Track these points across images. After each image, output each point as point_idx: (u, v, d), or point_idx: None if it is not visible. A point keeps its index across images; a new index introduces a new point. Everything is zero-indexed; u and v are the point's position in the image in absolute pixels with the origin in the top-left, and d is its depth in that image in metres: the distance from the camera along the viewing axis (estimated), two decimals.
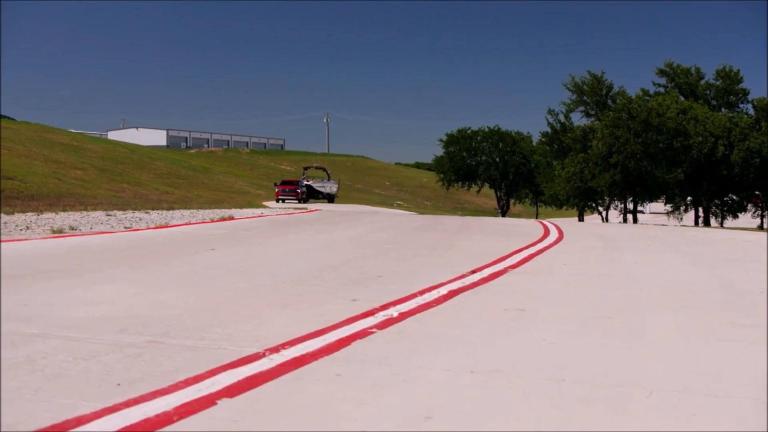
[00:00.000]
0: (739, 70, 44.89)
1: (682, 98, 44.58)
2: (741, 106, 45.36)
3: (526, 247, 10.74)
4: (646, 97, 44.10)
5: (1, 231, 10.45)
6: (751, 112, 44.51)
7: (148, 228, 12.39)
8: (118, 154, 61.21)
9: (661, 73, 46.22)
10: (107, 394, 3.47)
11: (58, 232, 10.94)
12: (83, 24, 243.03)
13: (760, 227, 41.35)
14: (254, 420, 3.22)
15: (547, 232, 13.91)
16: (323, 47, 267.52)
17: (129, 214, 15.06)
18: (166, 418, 3.19)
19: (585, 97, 45.05)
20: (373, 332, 4.90)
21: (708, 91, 45.38)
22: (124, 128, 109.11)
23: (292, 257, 9.28)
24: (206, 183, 60.08)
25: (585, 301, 6.45)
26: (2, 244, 9.22)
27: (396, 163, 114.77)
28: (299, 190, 45.87)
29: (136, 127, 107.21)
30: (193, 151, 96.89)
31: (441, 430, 3.17)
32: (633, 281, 7.84)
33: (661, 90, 45.99)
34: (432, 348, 4.56)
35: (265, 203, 37.67)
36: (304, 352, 4.32)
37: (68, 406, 3.30)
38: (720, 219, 45.54)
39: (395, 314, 5.51)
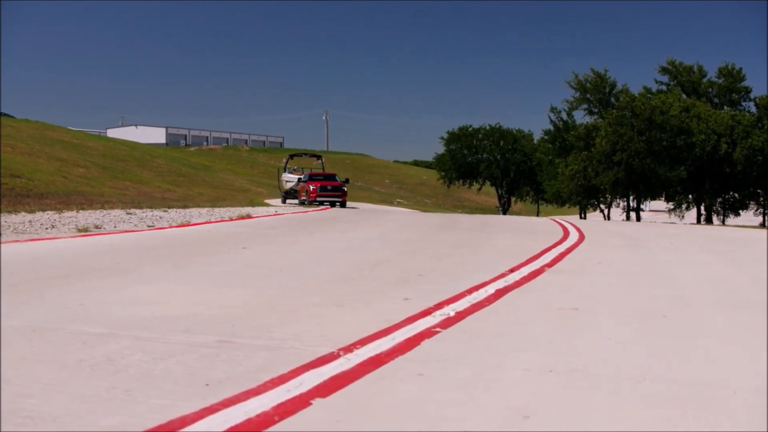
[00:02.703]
0: (741, 68, 45.08)
1: (684, 96, 44.69)
2: (743, 104, 45.52)
3: (554, 246, 10.76)
4: (649, 95, 44.19)
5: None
6: (754, 110, 44.64)
7: (171, 227, 12.39)
8: (119, 151, 61.07)
9: (664, 71, 46.36)
10: (201, 395, 3.48)
11: (84, 231, 10.92)
12: (82, 22, 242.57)
13: (762, 225, 41.47)
14: (354, 419, 3.23)
15: (566, 231, 13.94)
16: (323, 45, 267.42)
17: (148, 212, 15.05)
18: (268, 418, 3.19)
19: (588, 95, 45.13)
20: (438, 332, 4.91)
21: (710, 89, 45.53)
22: (123, 126, 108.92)
23: (328, 256, 9.29)
24: (207, 181, 59.99)
25: (633, 299, 6.47)
26: (34, 243, 9.21)
27: (395, 161, 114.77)
28: (344, 189, 31.60)
29: (135, 125, 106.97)
30: (192, 148, 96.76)
31: (542, 430, 3.18)
32: (672, 280, 7.86)
33: (664, 88, 46.09)
34: (502, 347, 4.57)
35: (267, 201, 37.48)
36: (377, 352, 4.32)
37: (166, 407, 3.30)
38: (722, 217, 45.67)
39: (452, 313, 5.52)
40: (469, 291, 6.52)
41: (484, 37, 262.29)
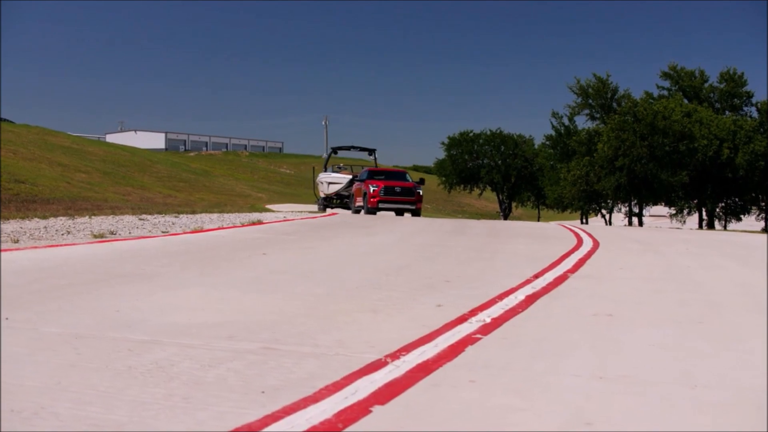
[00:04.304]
0: (743, 73, 45.27)
1: (686, 101, 44.81)
2: (745, 108, 45.68)
3: (572, 251, 10.76)
4: (651, 100, 44.30)
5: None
6: (755, 114, 44.77)
7: (185, 232, 12.38)
8: (119, 156, 61.13)
9: (665, 75, 46.51)
10: (260, 402, 3.47)
11: (100, 237, 10.91)
12: (81, 25, 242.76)
13: (764, 230, 41.55)
14: (417, 426, 3.23)
15: (579, 237, 13.95)
16: (322, 49, 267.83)
17: (159, 218, 15.04)
18: (332, 426, 3.19)
19: (590, 100, 45.21)
20: (478, 338, 4.91)
21: (712, 94, 45.66)
22: (122, 131, 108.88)
23: (349, 261, 9.29)
24: (207, 186, 60.05)
25: (664, 305, 6.48)
26: (55, 249, 9.20)
27: (394, 166, 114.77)
28: (419, 191, 23.07)
29: (135, 130, 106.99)
30: (192, 154, 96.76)
31: None
32: (697, 284, 7.87)
33: (665, 93, 46.22)
34: (546, 354, 4.57)
35: (269, 206, 37.34)
36: (424, 359, 4.32)
37: (228, 414, 3.29)
38: (724, 222, 45.77)
39: (488, 320, 5.52)
40: (500, 297, 6.52)
41: (485, 40, 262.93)
